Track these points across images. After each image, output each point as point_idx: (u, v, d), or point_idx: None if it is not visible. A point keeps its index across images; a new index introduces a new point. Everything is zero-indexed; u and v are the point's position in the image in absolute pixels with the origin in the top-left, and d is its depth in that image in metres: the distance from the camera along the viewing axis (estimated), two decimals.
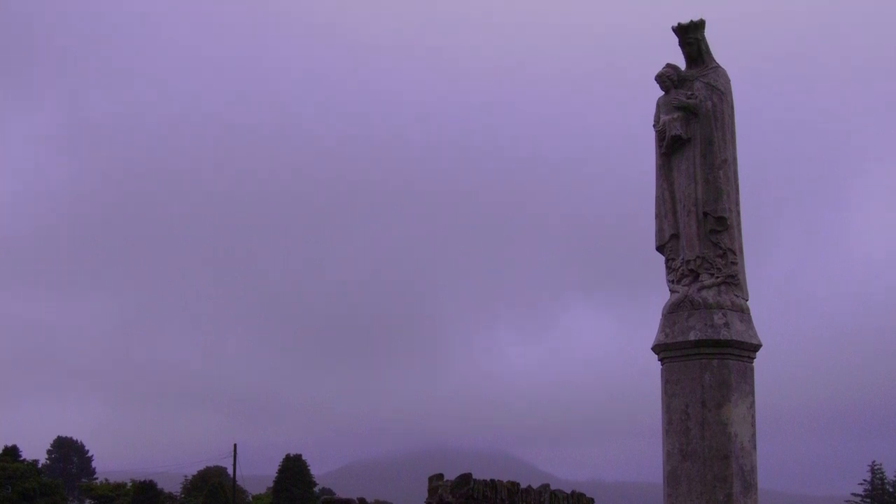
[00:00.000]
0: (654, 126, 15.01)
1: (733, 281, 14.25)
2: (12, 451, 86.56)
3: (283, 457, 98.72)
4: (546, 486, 28.33)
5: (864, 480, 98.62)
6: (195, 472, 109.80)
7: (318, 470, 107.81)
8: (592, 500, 30.14)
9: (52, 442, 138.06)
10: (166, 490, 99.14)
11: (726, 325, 13.90)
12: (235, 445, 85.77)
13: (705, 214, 14.23)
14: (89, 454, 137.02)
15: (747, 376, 14.06)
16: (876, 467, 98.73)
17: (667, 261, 14.76)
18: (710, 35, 14.77)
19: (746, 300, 14.44)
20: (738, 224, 14.44)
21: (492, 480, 26.09)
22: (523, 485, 27.20)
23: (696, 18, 14.63)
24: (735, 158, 14.55)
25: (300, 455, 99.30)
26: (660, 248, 14.85)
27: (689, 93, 14.64)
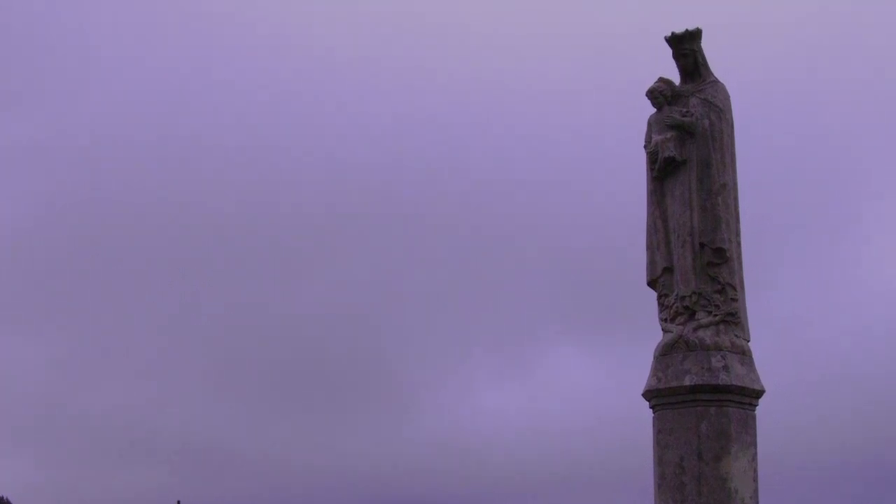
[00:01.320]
0: (644, 147, 15.09)
1: (733, 319, 14.31)
2: None
3: None
4: None
5: None
6: None
7: None
8: None
9: None
10: None
11: (725, 368, 13.96)
12: (179, 503, 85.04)
13: (702, 245, 14.31)
14: None
15: (749, 425, 14.11)
16: None
17: (659, 297, 14.81)
18: (708, 46, 14.84)
19: (748, 341, 14.51)
20: (739, 256, 14.52)
21: None
22: None
23: (691, 27, 14.72)
24: (735, 183, 14.64)
25: None
26: (651, 283, 14.92)
27: (685, 110, 14.72)
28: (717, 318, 14.28)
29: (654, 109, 15.09)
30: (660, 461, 14.15)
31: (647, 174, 15.01)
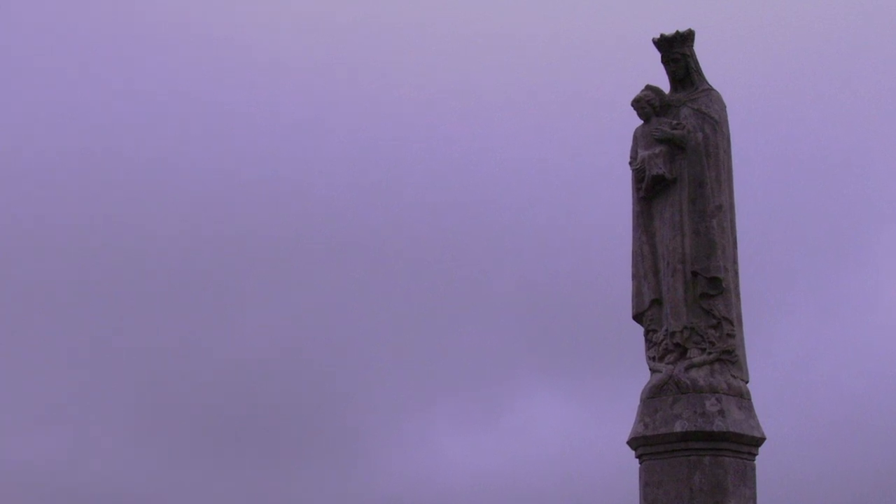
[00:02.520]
0: (630, 164, 15.03)
1: (730, 358, 14.26)
2: None
3: None
4: None
5: None
6: None
7: None
8: None
9: None
10: None
11: (721, 413, 13.89)
12: None
13: (695, 274, 14.26)
14: None
15: (748, 477, 14.06)
16: None
17: (646, 332, 14.75)
18: (702, 50, 14.84)
19: (747, 382, 14.46)
20: (737, 287, 14.48)
21: None
22: None
23: (683, 29, 14.72)
24: (732, 204, 14.61)
25: None
26: (637, 317, 14.86)
27: (675, 122, 14.68)
28: (711, 356, 14.22)
29: (641, 121, 15.05)
30: None
31: (633, 194, 14.95)
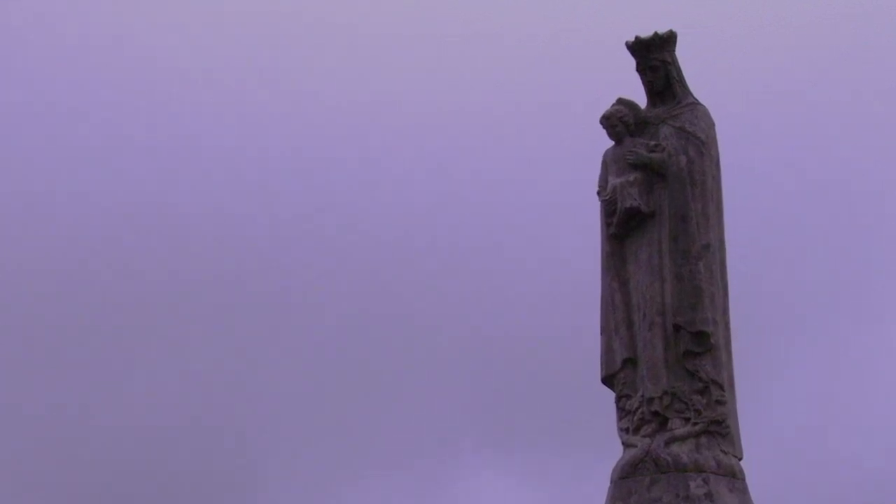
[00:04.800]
0: (598, 193, 15.11)
1: (720, 429, 14.26)
2: None
3: None
4: None
5: None
6: None
7: None
8: None
9: None
10: None
11: (709, 496, 13.88)
12: None
13: (677, 328, 14.30)
14: None
15: None
16: None
17: (618, 399, 14.75)
18: (686, 56, 14.96)
19: (740, 459, 14.47)
20: (727, 343, 14.53)
21: None
22: None
23: (662, 30, 14.79)
24: (723, 243, 14.69)
25: None
26: (607, 380, 14.86)
27: (653, 143, 14.73)
28: (697, 427, 14.23)
29: (612, 142, 15.12)
30: None
31: (602, 231, 14.98)
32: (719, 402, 14.30)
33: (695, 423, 14.27)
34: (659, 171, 14.63)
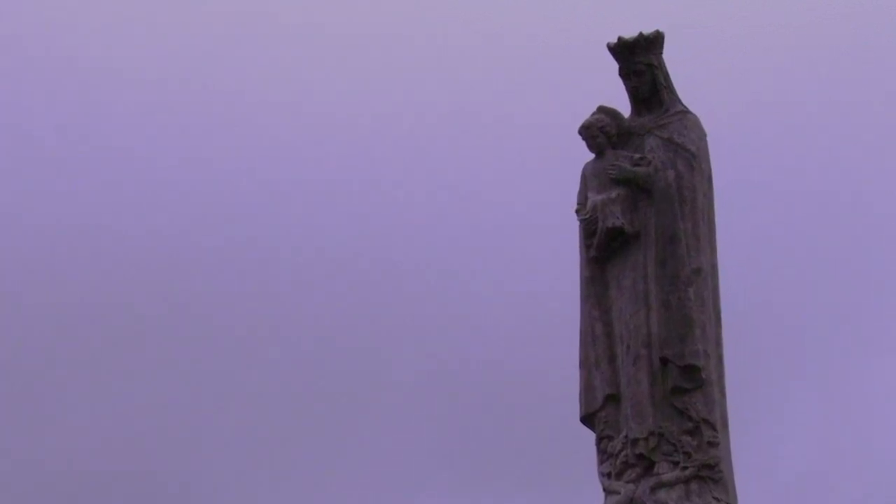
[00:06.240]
0: (576, 211, 15.24)
1: (711, 474, 14.32)
2: None
3: None
4: None
5: None
6: None
7: None
8: None
9: None
10: None
11: None
12: None
13: (664, 362, 14.39)
14: None
15: None
16: None
17: (599, 440, 14.84)
18: (675, 60, 15.12)
19: None
20: (720, 378, 14.63)
21: None
22: None
23: (648, 31, 14.93)
24: (715, 267, 14.80)
25: None
26: (587, 419, 14.97)
27: (637, 156, 14.88)
28: (687, 472, 14.28)
29: (592, 155, 15.24)
30: None
31: (581, 254, 15.08)
32: (711, 444, 14.37)
33: (684, 468, 14.33)
34: (644, 186, 14.73)
